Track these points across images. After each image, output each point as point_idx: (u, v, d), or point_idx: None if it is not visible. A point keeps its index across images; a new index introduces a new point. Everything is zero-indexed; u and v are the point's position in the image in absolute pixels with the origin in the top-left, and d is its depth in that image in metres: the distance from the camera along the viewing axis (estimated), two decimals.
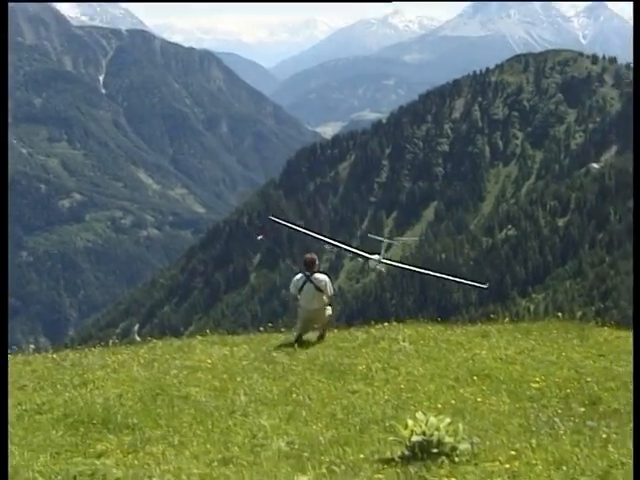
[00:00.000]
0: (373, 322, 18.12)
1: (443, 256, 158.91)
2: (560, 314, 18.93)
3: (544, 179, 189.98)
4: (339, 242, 59.66)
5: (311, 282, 15.40)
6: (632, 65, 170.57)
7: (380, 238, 48.56)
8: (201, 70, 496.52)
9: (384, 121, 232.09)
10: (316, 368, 12.79)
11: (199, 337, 16.71)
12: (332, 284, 15.94)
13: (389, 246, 54.31)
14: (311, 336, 15.68)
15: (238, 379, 11.99)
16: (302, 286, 15.46)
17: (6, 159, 12.37)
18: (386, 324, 17.68)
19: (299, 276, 15.61)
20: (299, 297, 15.58)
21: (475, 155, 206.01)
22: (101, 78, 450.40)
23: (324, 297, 15.61)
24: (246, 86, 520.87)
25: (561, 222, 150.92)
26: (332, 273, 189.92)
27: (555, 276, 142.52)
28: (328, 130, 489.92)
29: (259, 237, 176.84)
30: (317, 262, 15.68)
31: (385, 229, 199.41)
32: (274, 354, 14.07)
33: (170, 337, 17.94)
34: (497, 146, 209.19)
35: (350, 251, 75.81)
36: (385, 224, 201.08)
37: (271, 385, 11.61)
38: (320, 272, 15.64)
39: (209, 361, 13.52)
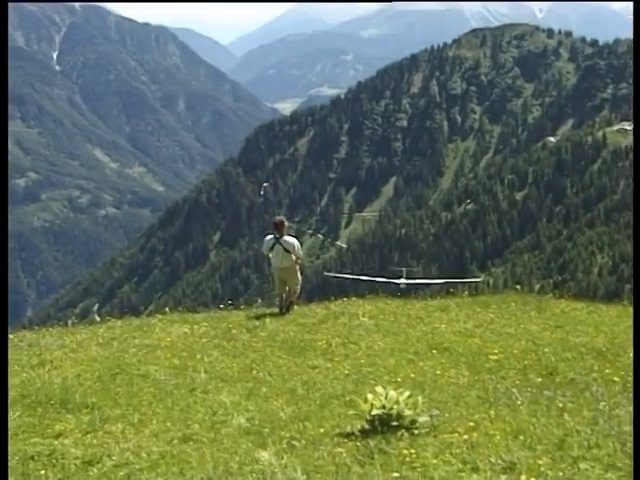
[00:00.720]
0: (333, 298, 18.17)
1: (403, 231, 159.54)
2: (519, 287, 19.15)
3: (502, 153, 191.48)
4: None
5: (280, 244, 16.23)
6: (632, 65, 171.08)
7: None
8: (157, 47, 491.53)
9: (342, 97, 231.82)
10: (276, 344, 12.80)
11: (159, 316, 16.63)
12: (300, 248, 16.72)
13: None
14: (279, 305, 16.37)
15: (198, 357, 11.96)
16: (272, 247, 16.32)
17: (6, 159, 12.20)
18: (346, 299, 17.74)
19: (269, 237, 16.43)
20: (270, 257, 16.46)
21: (433, 130, 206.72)
22: (55, 55, 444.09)
23: (292, 257, 16.38)
24: (203, 63, 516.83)
25: (519, 196, 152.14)
26: None
27: (514, 250, 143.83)
28: (287, 106, 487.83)
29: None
30: (286, 224, 16.49)
31: (344, 205, 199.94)
32: (234, 331, 14.04)
33: (130, 316, 17.85)
34: (455, 121, 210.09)
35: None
36: (344, 200, 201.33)
37: (231, 362, 11.60)
38: (289, 235, 16.43)
39: (168, 339, 13.47)
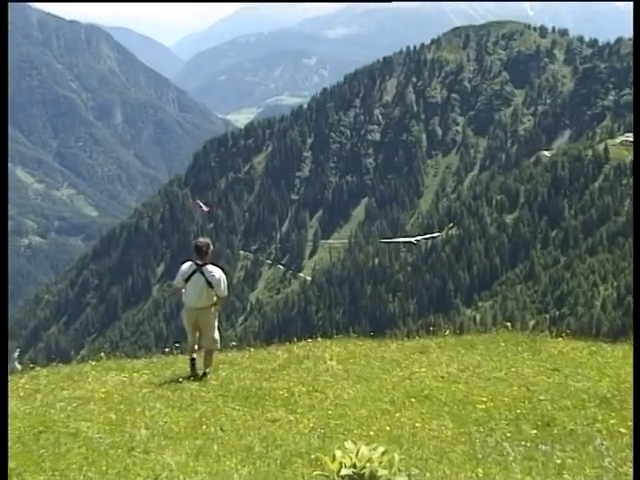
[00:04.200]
0: (296, 339, 18.13)
1: (376, 261, 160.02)
2: (510, 324, 19.22)
3: (489, 170, 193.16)
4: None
5: (202, 274, 14.23)
6: (632, 65, 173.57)
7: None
8: (88, 48, 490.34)
9: (305, 106, 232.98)
10: (230, 394, 12.74)
11: (92, 362, 16.46)
12: (226, 286, 14.54)
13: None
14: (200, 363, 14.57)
15: (138, 410, 11.86)
16: (190, 276, 14.34)
17: (6, 159, 12.23)
18: (311, 341, 17.71)
19: (188, 264, 14.45)
20: (184, 291, 14.45)
21: (410, 144, 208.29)
22: None
23: (214, 295, 14.41)
24: (143, 67, 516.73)
25: (509, 219, 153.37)
26: (249, 282, 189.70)
27: (504, 281, 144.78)
28: (241, 118, 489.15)
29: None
30: (211, 248, 14.43)
31: (309, 231, 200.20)
32: (181, 379, 13.96)
33: (57, 364, 17.67)
34: (435, 133, 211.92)
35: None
36: (309, 225, 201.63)
37: (177, 416, 11.52)
38: (214, 264, 14.43)
39: (103, 390, 13.34)
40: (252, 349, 16.86)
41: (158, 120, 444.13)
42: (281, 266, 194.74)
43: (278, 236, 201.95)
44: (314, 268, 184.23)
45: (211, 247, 14.49)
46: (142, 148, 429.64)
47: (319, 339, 17.95)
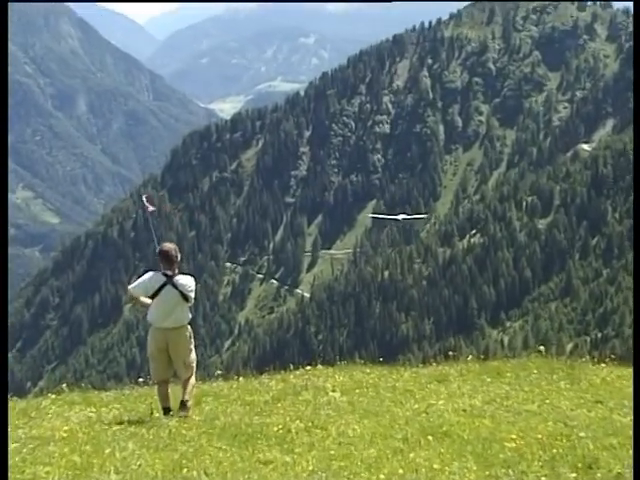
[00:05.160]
0: (292, 366, 18.14)
1: (386, 275, 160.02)
2: (543, 348, 19.19)
3: (518, 167, 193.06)
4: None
5: (174, 286, 13.72)
6: (632, 65, 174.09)
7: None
8: (46, 26, 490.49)
9: (302, 93, 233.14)
10: (215, 432, 12.72)
11: (52, 396, 16.47)
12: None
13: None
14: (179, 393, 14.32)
15: (107, 451, 11.82)
16: (159, 290, 13.73)
17: (6, 159, 12.32)
18: (309, 368, 17.72)
19: (153, 275, 13.87)
20: (150, 307, 13.85)
21: (425, 137, 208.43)
22: None
23: (189, 311, 14.13)
24: (111, 48, 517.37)
25: (542, 224, 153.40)
26: (236, 300, 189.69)
27: (536, 297, 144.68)
28: (226, 107, 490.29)
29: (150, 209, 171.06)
30: (179, 257, 13.84)
31: (307, 240, 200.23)
32: (157, 414, 13.95)
33: (11, 397, 17.64)
34: (454, 124, 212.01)
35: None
36: (307, 233, 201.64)
37: (153, 458, 11.48)
38: (184, 273, 13.98)
39: (66, 428, 13.32)
40: (241, 378, 16.87)
41: (129, 110, 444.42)
42: (275, 281, 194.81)
43: (271, 246, 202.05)
44: (313, 283, 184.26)
45: (179, 254, 13.87)
46: (110, 143, 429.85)
47: (319, 366, 17.96)
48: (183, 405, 13.88)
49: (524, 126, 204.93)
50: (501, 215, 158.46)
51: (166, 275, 13.72)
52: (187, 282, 13.80)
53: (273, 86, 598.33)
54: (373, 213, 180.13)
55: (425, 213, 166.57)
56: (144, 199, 15.97)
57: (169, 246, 13.91)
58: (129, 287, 13.99)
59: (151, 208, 16.50)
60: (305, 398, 14.76)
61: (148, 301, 13.74)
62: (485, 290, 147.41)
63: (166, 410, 13.96)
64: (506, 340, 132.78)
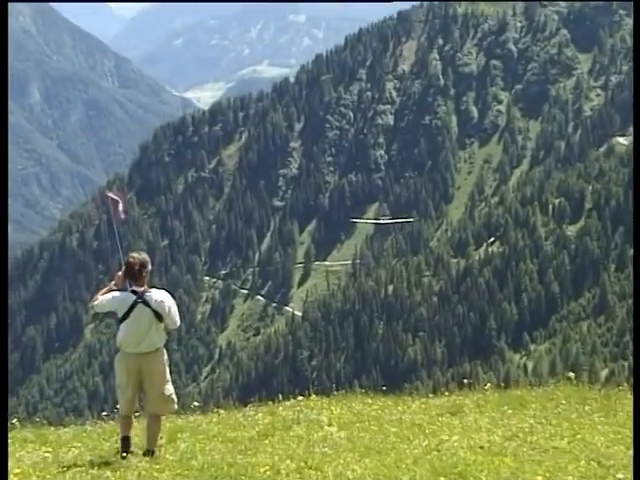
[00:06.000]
0: (281, 397, 18.11)
1: (390, 289, 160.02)
2: (574, 375, 19.19)
3: (543, 165, 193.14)
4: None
5: (146, 304, 13.49)
6: (632, 64, 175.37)
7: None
8: None
9: (292, 80, 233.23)
10: (192, 473, 12.69)
11: None
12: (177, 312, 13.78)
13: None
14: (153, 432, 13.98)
15: None
16: (130, 311, 13.51)
17: (6, 159, 12.40)
18: (301, 399, 17.70)
19: (118, 295, 13.64)
20: (119, 331, 13.69)
21: (436, 130, 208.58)
22: None
23: (164, 331, 13.86)
24: (70, 27, 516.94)
25: (572, 231, 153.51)
26: (216, 320, 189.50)
27: (565, 316, 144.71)
28: (204, 96, 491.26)
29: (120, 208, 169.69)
30: (149, 268, 13.65)
31: (298, 249, 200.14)
32: (124, 454, 13.92)
33: None
34: (469, 115, 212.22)
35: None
36: (298, 241, 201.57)
37: None
38: (155, 287, 13.75)
39: (17, 471, 13.26)
40: (222, 411, 16.84)
41: (90, 99, 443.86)
42: (261, 297, 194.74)
43: (256, 256, 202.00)
44: (306, 300, 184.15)
45: (149, 265, 13.67)
46: (69, 137, 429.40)
47: (313, 396, 17.94)
48: (150, 451, 13.67)
49: (550, 117, 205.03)
50: (524, 220, 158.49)
51: (135, 292, 13.48)
52: (162, 298, 13.55)
53: (258, 71, 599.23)
54: (354, 218, 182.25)
55: (410, 217, 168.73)
56: (111, 197, 15.67)
57: (136, 257, 13.62)
58: (94, 303, 13.57)
59: (121, 207, 16.27)
60: (297, 434, 14.71)
61: (108, 296, 13.60)
62: (505, 307, 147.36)
63: (125, 440, 13.75)
64: (530, 366, 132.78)
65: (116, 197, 15.51)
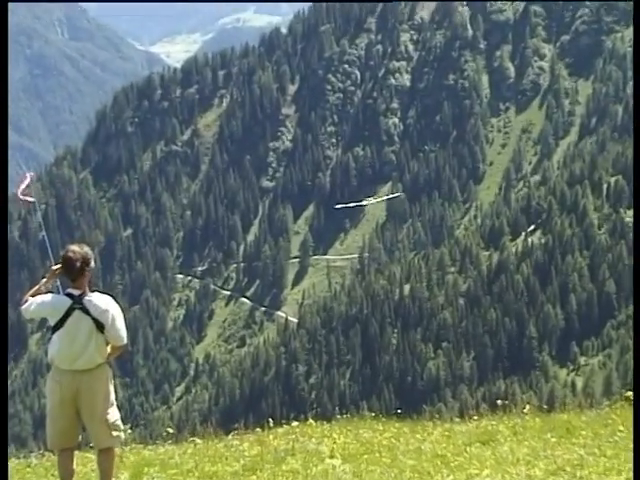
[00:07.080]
0: (272, 422, 18.14)
1: (406, 289, 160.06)
2: (633, 394, 19.22)
3: (595, 135, 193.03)
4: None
5: (84, 311, 13.36)
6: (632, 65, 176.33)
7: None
8: None
9: (285, 30, 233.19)
10: None
11: None
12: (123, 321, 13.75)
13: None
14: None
15: None
16: (65, 319, 13.35)
17: (6, 159, 12.49)
18: (297, 425, 17.73)
19: (50, 298, 13.58)
20: (51, 343, 13.69)
21: (462, 93, 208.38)
22: None
23: (106, 344, 13.70)
24: None
25: (631, 217, 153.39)
26: (192, 328, 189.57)
27: (622, 322, 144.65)
28: (175, 50, 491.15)
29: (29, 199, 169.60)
30: (92, 265, 13.58)
31: (293, 240, 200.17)
32: None
33: None
34: (504, 74, 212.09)
35: None
36: (292, 230, 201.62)
37: None
38: (100, 291, 13.74)
39: None
40: (199, 440, 16.88)
41: (35, 54, 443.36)
42: (247, 300, 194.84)
43: (241, 249, 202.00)
44: (302, 302, 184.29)
45: (92, 263, 13.57)
46: (11, 103, 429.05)
47: (311, 422, 17.97)
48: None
49: (604, 75, 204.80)
50: (571, 204, 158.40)
51: (71, 296, 13.33)
52: (105, 304, 13.44)
53: (243, 20, 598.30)
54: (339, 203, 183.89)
55: (397, 193, 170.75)
56: (22, 187, 15.56)
57: (74, 250, 13.40)
58: (22, 307, 13.56)
59: (30, 199, 16.21)
60: (291, 468, 14.68)
61: (38, 299, 13.45)
62: (549, 311, 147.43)
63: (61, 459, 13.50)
64: (580, 383, 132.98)
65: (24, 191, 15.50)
